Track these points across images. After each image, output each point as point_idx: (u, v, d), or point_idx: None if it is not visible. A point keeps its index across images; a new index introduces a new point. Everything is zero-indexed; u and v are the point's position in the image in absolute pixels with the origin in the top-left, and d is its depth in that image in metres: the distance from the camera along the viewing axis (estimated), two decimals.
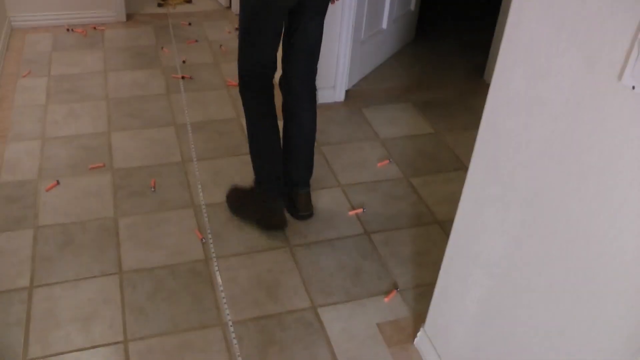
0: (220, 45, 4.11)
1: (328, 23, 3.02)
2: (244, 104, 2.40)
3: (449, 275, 1.91)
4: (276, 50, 2.28)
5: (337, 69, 3.45)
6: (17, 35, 4.18)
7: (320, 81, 3.21)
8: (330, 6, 2.64)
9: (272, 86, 2.37)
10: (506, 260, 1.60)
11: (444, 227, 2.67)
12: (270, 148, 2.42)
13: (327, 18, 2.39)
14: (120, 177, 2.92)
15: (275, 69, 2.33)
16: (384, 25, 3.76)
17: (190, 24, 4.42)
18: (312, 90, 2.46)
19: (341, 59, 3.40)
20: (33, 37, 4.18)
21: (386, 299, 2.35)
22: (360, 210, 2.72)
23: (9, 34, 4.11)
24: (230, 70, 3.79)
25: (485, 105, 1.59)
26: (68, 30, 4.26)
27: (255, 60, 2.27)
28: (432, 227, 2.68)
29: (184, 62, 3.89)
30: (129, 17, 4.47)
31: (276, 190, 2.47)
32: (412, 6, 4.11)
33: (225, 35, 4.27)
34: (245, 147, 2.88)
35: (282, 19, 2.20)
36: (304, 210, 2.64)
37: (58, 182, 2.84)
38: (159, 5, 4.68)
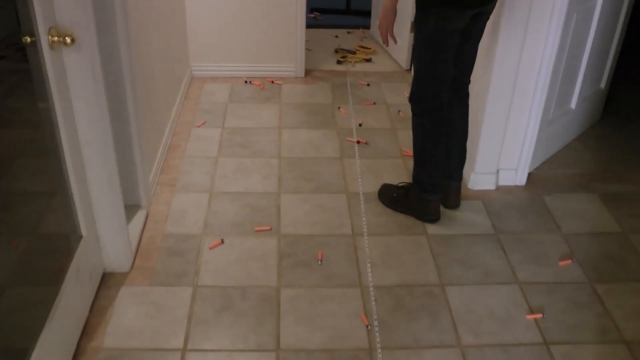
0: (399, 111, 3.98)
1: (516, 103, 2.93)
2: (416, 125, 2.77)
3: None
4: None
5: (521, 151, 3.23)
6: (196, 84, 4.27)
7: (503, 162, 3.14)
8: (521, 83, 2.95)
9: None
10: None
11: (632, 349, 2.33)
12: (442, 155, 2.79)
13: (515, 97, 2.88)
14: (286, 244, 2.82)
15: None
16: (573, 104, 3.47)
17: (368, 84, 4.34)
18: (457, 92, 2.78)
19: (527, 141, 3.19)
20: (211, 86, 4.26)
21: None
22: (539, 316, 2.45)
23: (188, 83, 4.18)
24: (407, 139, 3.62)
25: None
26: (246, 82, 4.29)
27: (437, 88, 2.66)
28: (618, 347, 2.36)
29: (360, 125, 3.78)
30: (307, 72, 4.44)
31: (437, 189, 2.84)
32: (603, 84, 3.82)
33: (404, 99, 4.13)
34: (421, 228, 2.90)
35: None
36: (454, 203, 3.04)
37: (222, 241, 2.77)
38: (338, 62, 4.64)
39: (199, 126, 3.71)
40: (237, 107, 4.00)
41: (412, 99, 2.71)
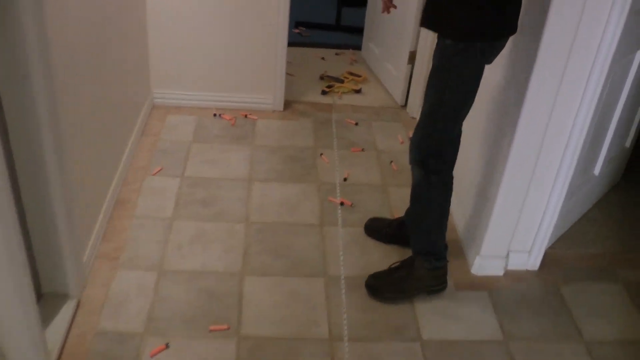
0: (391, 161, 3.47)
1: (539, 173, 2.51)
2: (435, 185, 2.41)
3: None
4: None
5: (538, 231, 2.78)
6: (158, 114, 3.79)
7: (515, 243, 2.72)
8: (547, 149, 2.50)
9: None
10: None
11: None
12: (446, 217, 2.52)
13: (538, 166, 2.53)
14: (246, 350, 2.36)
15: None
16: (597, 170, 3.08)
17: (357, 123, 3.85)
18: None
19: (547, 218, 2.74)
20: (174, 119, 3.78)
21: None
22: None
23: (148, 113, 3.71)
24: (399, 199, 3.18)
25: None
26: (215, 115, 3.74)
27: (458, 132, 2.35)
28: None
29: (345, 179, 3.28)
30: (287, 105, 3.92)
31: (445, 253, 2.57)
32: (629, 142, 3.40)
33: (398, 146, 3.63)
34: (414, 330, 2.47)
35: None
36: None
37: (167, 346, 2.28)
38: (323, 92, 4.12)
39: (154, 174, 3.19)
40: (202, 148, 3.51)
41: (428, 153, 2.36)
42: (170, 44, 3.67)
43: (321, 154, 3.49)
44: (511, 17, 2.22)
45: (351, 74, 4.44)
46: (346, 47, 4.94)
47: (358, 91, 4.24)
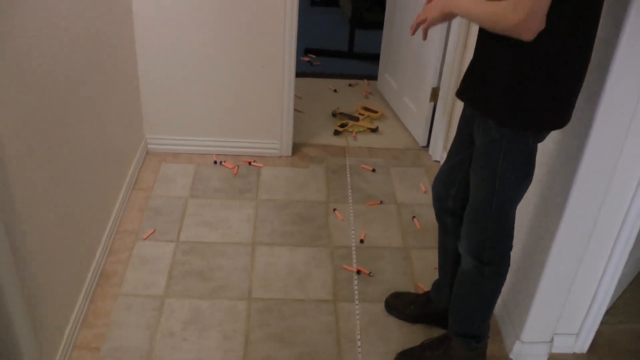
0: (414, 217, 3.08)
1: (592, 249, 2.20)
2: (488, 277, 2.14)
3: None
4: None
5: (587, 312, 2.45)
6: (152, 162, 3.46)
7: (561, 326, 2.42)
8: (600, 224, 2.18)
9: None
10: None
11: None
12: (494, 304, 2.26)
13: (592, 241, 2.20)
14: None
15: None
16: None
17: (374, 169, 3.45)
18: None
19: (598, 299, 2.41)
20: (170, 168, 3.45)
21: None
22: None
23: (141, 161, 3.37)
24: (423, 265, 2.85)
25: None
26: (215, 162, 3.38)
27: (514, 218, 2.03)
28: None
29: (361, 241, 2.89)
30: (296, 148, 3.56)
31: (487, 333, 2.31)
32: None
33: (420, 197, 3.25)
34: None
35: None
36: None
37: None
38: (336, 133, 3.76)
39: (145, 238, 2.84)
40: (199, 205, 3.18)
41: (483, 246, 2.07)
42: (164, 84, 3.36)
43: (334, 210, 3.13)
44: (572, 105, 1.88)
45: (366, 109, 4.09)
46: (360, 77, 4.62)
47: (374, 130, 3.89)
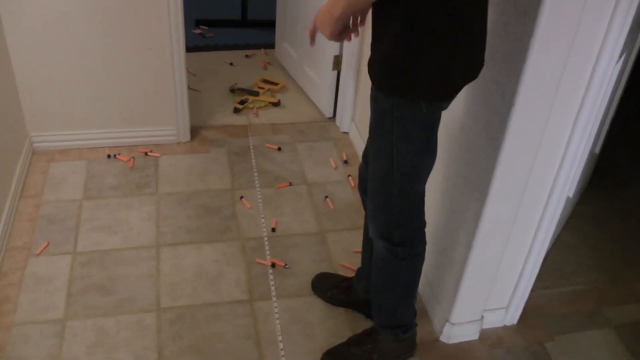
0: (326, 197, 2.94)
1: (521, 221, 2.16)
2: (403, 257, 2.01)
3: None
4: None
5: (517, 285, 2.41)
6: (39, 162, 3.21)
7: (490, 302, 2.37)
8: (526, 202, 2.10)
9: None
10: None
11: None
12: (416, 288, 2.18)
13: (516, 224, 2.13)
14: None
15: None
16: (572, 192, 2.76)
17: (279, 148, 3.28)
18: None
19: (527, 271, 2.37)
20: (59, 167, 3.20)
21: None
22: None
23: (27, 163, 3.13)
24: (343, 251, 2.65)
25: None
26: (109, 156, 3.14)
27: (423, 192, 1.93)
28: None
29: (273, 230, 2.73)
30: (194, 132, 3.36)
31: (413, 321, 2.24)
32: (598, 149, 3.12)
33: (332, 173, 3.11)
34: None
35: None
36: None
37: None
38: (236, 110, 3.56)
39: (38, 254, 2.60)
40: (95, 207, 2.97)
41: (389, 225, 1.95)
42: (43, 77, 3.09)
43: (241, 197, 2.97)
44: (475, 60, 1.76)
45: (266, 81, 3.91)
46: (257, 46, 4.42)
47: (276, 104, 3.71)
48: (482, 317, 2.39)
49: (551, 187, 2.07)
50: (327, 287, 2.54)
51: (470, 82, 1.78)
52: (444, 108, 1.78)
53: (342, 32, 1.75)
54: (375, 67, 1.72)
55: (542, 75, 1.75)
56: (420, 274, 2.14)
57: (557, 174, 2.03)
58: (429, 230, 2.33)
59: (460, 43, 1.63)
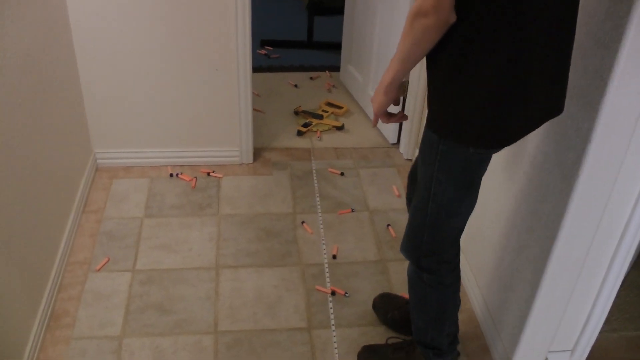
0: (388, 225, 2.91)
1: (590, 263, 2.05)
2: (429, 284, 2.03)
3: None
4: None
5: (584, 328, 2.31)
6: (102, 179, 3.27)
7: (556, 344, 2.26)
8: (598, 238, 2.00)
9: None
10: None
11: None
12: (448, 318, 2.16)
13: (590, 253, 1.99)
14: None
15: None
16: None
17: (342, 173, 3.26)
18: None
19: (596, 314, 2.27)
20: (122, 185, 3.26)
21: None
22: None
23: (91, 179, 3.19)
24: (404, 280, 2.61)
25: None
26: (172, 175, 3.18)
27: (460, 229, 1.94)
28: None
29: (334, 257, 2.70)
30: (257, 154, 3.38)
31: (455, 340, 2.23)
32: None
33: (394, 201, 3.10)
34: None
35: None
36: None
37: None
38: (299, 133, 3.57)
39: (98, 269, 2.63)
40: (156, 225, 2.99)
41: (420, 251, 1.99)
42: (109, 95, 3.16)
43: (303, 222, 2.97)
44: (540, 108, 1.72)
45: (330, 105, 3.91)
46: (322, 69, 4.44)
47: (340, 128, 3.71)
48: (547, 359, 2.32)
49: (625, 226, 2.01)
50: (389, 308, 2.53)
51: (533, 130, 1.76)
52: (495, 152, 1.79)
53: (390, 116, 1.86)
54: (430, 104, 1.73)
55: (620, 111, 1.71)
56: (452, 305, 2.13)
57: (632, 213, 1.97)
58: (493, 264, 2.30)
59: (517, 92, 1.60)
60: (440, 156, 1.76)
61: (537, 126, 1.75)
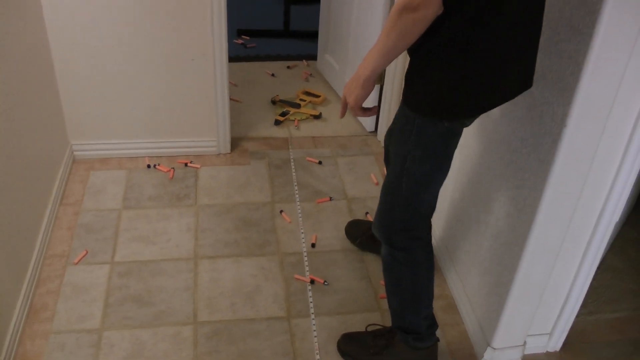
0: (367, 213, 2.94)
1: (568, 245, 2.11)
2: (402, 263, 2.09)
3: None
4: None
5: (561, 311, 2.36)
6: (79, 171, 3.26)
7: (534, 327, 2.32)
8: (574, 224, 2.06)
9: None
10: None
11: None
12: (423, 298, 2.17)
13: (567, 237, 2.06)
14: None
15: None
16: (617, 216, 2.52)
17: (320, 162, 3.28)
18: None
19: (574, 296, 2.30)
20: (99, 176, 3.25)
21: None
22: None
23: (67, 172, 3.18)
24: (381, 267, 2.62)
25: None
26: (149, 166, 3.17)
27: (431, 205, 2.00)
28: None
29: (313, 245, 2.71)
30: (235, 144, 3.39)
31: (434, 325, 2.24)
32: None
33: (372, 189, 3.13)
34: None
35: None
36: None
37: None
38: (277, 123, 3.57)
39: (76, 262, 2.62)
40: (134, 217, 2.99)
41: (392, 229, 2.04)
42: (85, 86, 3.15)
43: (281, 211, 2.97)
44: (508, 82, 1.76)
45: (308, 94, 3.92)
46: (299, 57, 4.44)
47: (318, 117, 3.72)
48: (525, 342, 2.36)
49: (601, 209, 2.03)
50: (358, 233, 2.78)
51: (503, 103, 1.81)
52: (466, 125, 1.83)
53: (365, 110, 1.87)
54: (406, 81, 1.79)
55: (595, 96, 1.73)
56: (427, 284, 2.16)
57: (608, 197, 1.99)
58: (471, 250, 2.32)
59: (485, 64, 1.65)
60: (415, 131, 1.80)
61: (508, 100, 1.81)
